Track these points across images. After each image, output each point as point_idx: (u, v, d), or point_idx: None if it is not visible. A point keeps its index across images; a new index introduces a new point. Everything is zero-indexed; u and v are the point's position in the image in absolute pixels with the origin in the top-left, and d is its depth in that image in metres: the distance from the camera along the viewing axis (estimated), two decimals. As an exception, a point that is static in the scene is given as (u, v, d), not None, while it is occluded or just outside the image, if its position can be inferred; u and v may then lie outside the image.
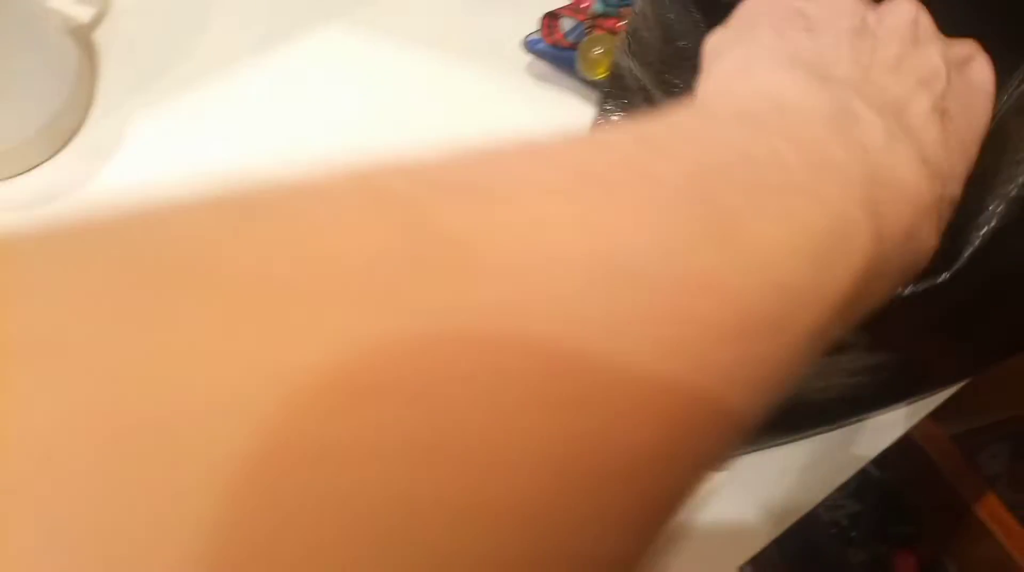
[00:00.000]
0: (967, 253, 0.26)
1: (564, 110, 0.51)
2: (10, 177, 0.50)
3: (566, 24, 0.49)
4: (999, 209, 0.26)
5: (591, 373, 0.11)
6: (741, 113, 0.19)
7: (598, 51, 0.46)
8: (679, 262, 0.13)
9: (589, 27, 0.49)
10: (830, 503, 0.88)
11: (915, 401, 0.40)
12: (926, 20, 0.25)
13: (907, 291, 0.28)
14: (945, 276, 0.27)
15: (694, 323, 0.13)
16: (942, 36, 0.26)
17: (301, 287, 0.11)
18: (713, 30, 0.26)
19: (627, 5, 0.48)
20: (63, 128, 0.51)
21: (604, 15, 0.48)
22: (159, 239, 0.12)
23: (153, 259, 0.11)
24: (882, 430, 0.41)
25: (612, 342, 0.12)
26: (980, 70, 0.26)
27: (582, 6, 0.49)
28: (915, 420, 0.41)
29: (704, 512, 0.38)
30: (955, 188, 0.23)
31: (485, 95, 0.51)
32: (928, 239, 0.20)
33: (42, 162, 0.50)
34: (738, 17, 0.27)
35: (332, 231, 0.12)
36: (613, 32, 0.47)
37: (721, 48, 0.26)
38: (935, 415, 0.83)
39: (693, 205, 0.14)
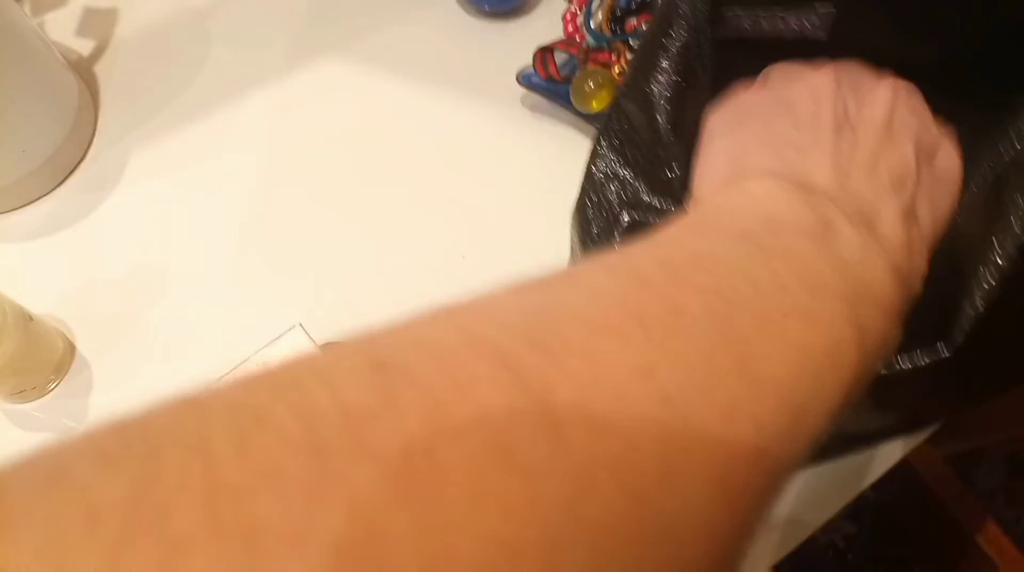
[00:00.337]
0: (966, 327, 0.27)
1: (558, 141, 0.51)
2: (12, 210, 0.51)
3: (559, 58, 0.50)
4: (991, 279, 0.26)
5: (654, 492, 0.15)
6: (744, 234, 0.22)
7: (591, 85, 0.47)
8: (709, 395, 0.17)
9: (583, 60, 0.49)
10: (827, 525, 0.89)
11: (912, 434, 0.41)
12: (902, 109, 0.28)
13: (908, 365, 0.28)
14: (944, 352, 0.28)
15: (722, 445, 0.16)
16: (916, 116, 0.28)
17: (449, 463, 0.13)
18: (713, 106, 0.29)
19: (621, 39, 0.49)
20: (65, 161, 0.52)
21: (597, 49, 0.49)
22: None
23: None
24: (881, 455, 0.42)
25: (666, 463, 0.15)
26: (948, 158, 0.29)
27: (575, 40, 0.50)
28: (912, 445, 0.42)
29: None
30: (917, 285, 0.25)
31: (481, 126, 0.52)
32: (896, 338, 0.23)
33: (44, 195, 0.51)
34: (735, 103, 0.30)
35: (458, 399, 0.15)
36: (606, 66, 0.48)
37: (718, 131, 0.29)
38: (930, 438, 0.83)
39: (716, 340, 0.18)
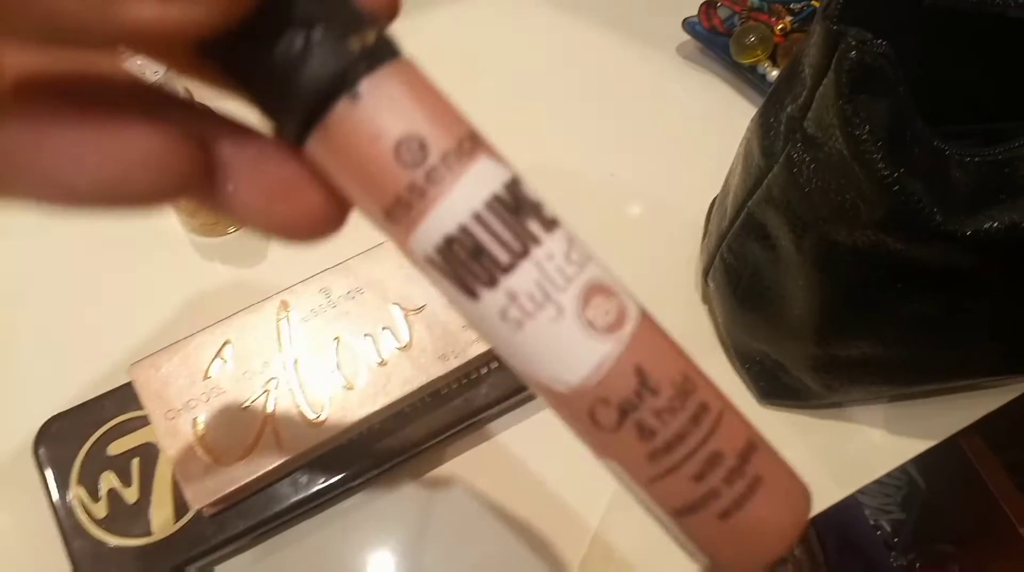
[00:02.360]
0: None
1: (705, 88, 0.56)
2: None
3: (722, 13, 0.55)
4: None
5: None
6: None
7: (752, 39, 0.51)
8: None
9: (744, 18, 0.54)
10: (878, 506, 0.92)
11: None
12: None
13: None
14: None
15: None
16: None
17: None
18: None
19: (781, 2, 0.53)
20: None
21: (759, 9, 0.53)
22: None
23: None
24: (960, 411, 0.46)
25: None
26: None
27: (740, -2, 0.54)
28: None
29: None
30: None
31: (640, 63, 0.57)
32: None
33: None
34: None
35: None
36: (767, 23, 0.52)
37: None
38: (992, 442, 0.86)
39: None
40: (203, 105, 0.16)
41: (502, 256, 0.15)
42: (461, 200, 0.15)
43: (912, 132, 0.29)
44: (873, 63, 0.28)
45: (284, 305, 0.38)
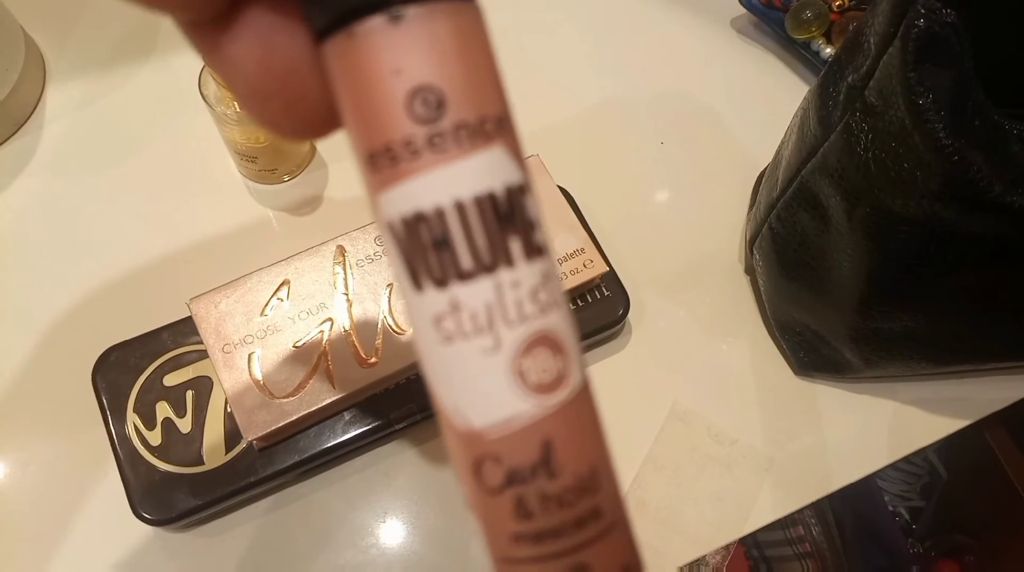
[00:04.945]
0: None
1: (757, 63, 0.56)
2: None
3: (779, -13, 0.55)
4: None
5: None
6: None
7: (808, 14, 0.51)
8: None
9: (800, -7, 0.54)
10: (898, 493, 0.92)
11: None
12: None
13: None
14: None
15: None
16: None
17: None
18: None
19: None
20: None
21: (815, -15, 0.53)
22: None
23: None
24: (996, 393, 0.46)
25: None
26: None
27: (797, -27, 0.54)
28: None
29: (834, 423, 0.44)
30: None
31: (692, 35, 0.57)
32: None
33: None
34: None
35: None
36: (824, 1, 0.52)
37: None
38: (1017, 434, 0.86)
39: None
40: None
41: (465, 261, 0.13)
42: (452, 181, 0.13)
43: (974, 104, 0.29)
44: (940, 32, 0.28)
45: (340, 250, 0.39)
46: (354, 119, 0.13)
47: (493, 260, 0.13)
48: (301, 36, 0.13)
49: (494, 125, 0.13)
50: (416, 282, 0.13)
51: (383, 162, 0.13)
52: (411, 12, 0.12)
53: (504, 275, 0.13)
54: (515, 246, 0.13)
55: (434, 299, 0.13)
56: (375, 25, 0.12)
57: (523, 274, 0.13)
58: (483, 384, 0.14)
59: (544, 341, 0.14)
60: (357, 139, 0.13)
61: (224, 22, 0.13)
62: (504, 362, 0.13)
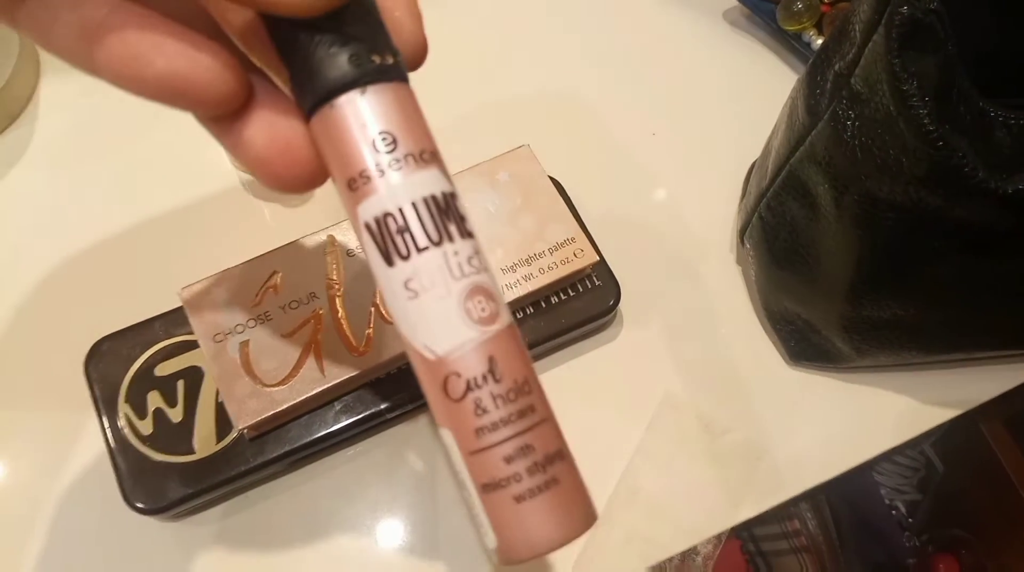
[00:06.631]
0: None
1: (749, 55, 0.56)
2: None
3: (771, -21, 0.55)
4: None
5: None
6: None
7: (800, 6, 0.51)
8: None
9: (792, -15, 0.54)
10: (894, 487, 0.93)
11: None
12: None
13: None
14: None
15: None
16: None
17: None
18: None
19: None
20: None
21: (808, -23, 0.53)
22: None
23: None
24: (987, 382, 0.46)
25: None
26: None
27: (790, -35, 0.54)
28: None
29: (822, 412, 0.44)
30: None
31: (684, 26, 0.57)
32: None
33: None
34: None
35: None
36: (815, -8, 0.52)
37: None
38: (1013, 428, 0.86)
39: None
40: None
41: (421, 239, 0.19)
42: (407, 189, 0.19)
43: (959, 90, 0.29)
44: (924, 18, 0.29)
45: (332, 240, 0.39)
46: (337, 160, 0.19)
47: (440, 238, 0.19)
48: (295, 119, 0.20)
49: (429, 155, 0.20)
50: (388, 260, 0.20)
51: (359, 183, 0.19)
52: (371, 88, 0.19)
53: (448, 247, 0.19)
54: (453, 229, 0.20)
55: (402, 269, 0.19)
56: (348, 98, 0.19)
57: (460, 247, 0.20)
58: (442, 321, 0.19)
59: (480, 290, 0.20)
60: (339, 173, 0.19)
61: (238, 116, 0.20)
62: (455, 304, 0.19)
